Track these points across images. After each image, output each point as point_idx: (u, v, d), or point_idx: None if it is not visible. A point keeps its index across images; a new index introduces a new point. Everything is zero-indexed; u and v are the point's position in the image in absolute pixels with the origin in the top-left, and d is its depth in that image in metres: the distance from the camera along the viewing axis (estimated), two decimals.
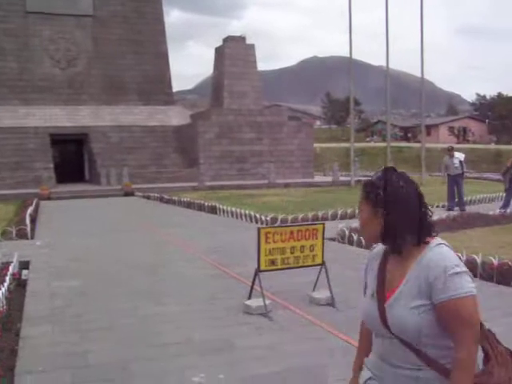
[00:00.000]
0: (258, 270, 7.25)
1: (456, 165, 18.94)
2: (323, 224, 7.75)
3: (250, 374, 5.27)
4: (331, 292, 7.49)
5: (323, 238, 7.64)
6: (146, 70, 44.97)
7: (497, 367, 2.27)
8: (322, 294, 7.63)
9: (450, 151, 19.30)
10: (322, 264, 7.61)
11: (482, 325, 2.39)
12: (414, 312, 2.25)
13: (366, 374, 2.54)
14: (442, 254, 2.29)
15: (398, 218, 2.31)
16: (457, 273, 2.23)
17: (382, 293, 2.39)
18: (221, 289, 8.70)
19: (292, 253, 7.34)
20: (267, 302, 7.29)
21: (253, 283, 7.41)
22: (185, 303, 7.89)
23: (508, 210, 16.98)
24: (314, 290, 7.82)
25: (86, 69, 43.19)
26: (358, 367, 2.65)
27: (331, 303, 7.46)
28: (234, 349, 5.98)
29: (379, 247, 2.55)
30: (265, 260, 7.18)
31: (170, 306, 7.77)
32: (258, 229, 7.16)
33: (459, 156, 19.20)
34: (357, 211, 15.62)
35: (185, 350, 5.97)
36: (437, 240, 2.37)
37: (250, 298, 7.46)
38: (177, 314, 7.31)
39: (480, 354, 2.32)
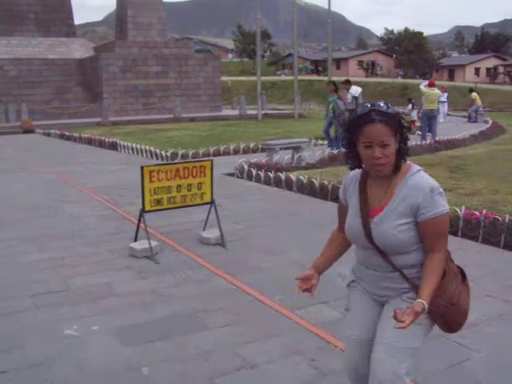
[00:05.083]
0: (143, 211, 6.82)
1: (349, 100, 17.56)
2: (211, 160, 7.32)
3: (127, 324, 4.91)
4: (221, 231, 7.17)
5: (212, 176, 7.24)
6: None
7: (450, 281, 2.68)
8: (212, 233, 7.31)
9: (345, 85, 17.91)
10: (211, 202, 7.25)
11: None
12: (399, 229, 2.59)
13: (350, 277, 2.99)
14: (424, 177, 2.63)
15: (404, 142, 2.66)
16: (440, 193, 2.60)
17: (365, 211, 2.69)
18: (109, 230, 8.23)
19: (178, 191, 6.92)
20: (155, 243, 6.91)
21: (138, 225, 6.99)
22: (69, 247, 7.37)
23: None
24: (204, 229, 7.50)
25: None
26: (319, 265, 2.93)
27: (221, 243, 7.15)
28: (114, 295, 5.59)
29: (355, 172, 2.81)
30: (150, 200, 6.74)
31: (53, 251, 7.22)
32: (142, 167, 6.68)
33: (353, 91, 17.86)
34: (260, 146, 15.42)
35: (60, 299, 5.51)
36: (414, 165, 2.69)
37: (136, 240, 7.05)
38: (58, 261, 6.81)
39: None
